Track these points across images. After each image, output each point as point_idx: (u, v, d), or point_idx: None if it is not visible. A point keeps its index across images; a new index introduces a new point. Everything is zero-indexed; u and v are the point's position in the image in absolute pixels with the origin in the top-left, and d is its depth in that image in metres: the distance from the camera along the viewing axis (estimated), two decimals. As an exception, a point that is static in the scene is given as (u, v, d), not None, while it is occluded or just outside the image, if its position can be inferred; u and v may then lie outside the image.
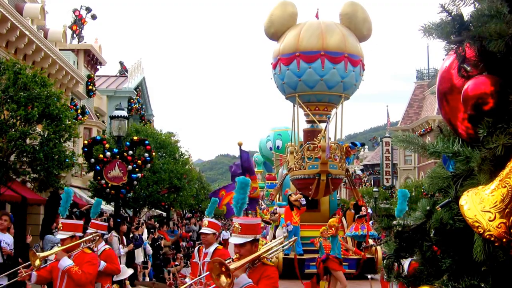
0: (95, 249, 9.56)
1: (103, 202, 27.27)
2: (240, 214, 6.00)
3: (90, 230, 9.88)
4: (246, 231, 5.50)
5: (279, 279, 5.57)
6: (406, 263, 6.62)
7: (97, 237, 9.75)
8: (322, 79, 22.77)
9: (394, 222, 3.72)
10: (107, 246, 10.31)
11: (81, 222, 9.13)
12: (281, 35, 23.89)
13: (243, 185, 6.10)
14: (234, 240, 5.51)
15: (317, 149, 21.49)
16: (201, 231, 8.36)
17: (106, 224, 10.51)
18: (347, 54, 22.83)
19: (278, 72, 23.71)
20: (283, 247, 5.99)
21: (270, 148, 45.06)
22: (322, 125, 23.34)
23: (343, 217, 23.39)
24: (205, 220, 8.49)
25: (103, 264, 9.36)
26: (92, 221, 10.66)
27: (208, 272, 5.54)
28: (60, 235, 8.25)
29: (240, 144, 17.36)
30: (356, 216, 22.64)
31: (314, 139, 22.48)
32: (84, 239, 8.84)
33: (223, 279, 4.89)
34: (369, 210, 23.38)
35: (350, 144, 23.13)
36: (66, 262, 7.75)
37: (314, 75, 22.76)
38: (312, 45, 22.86)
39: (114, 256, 10.24)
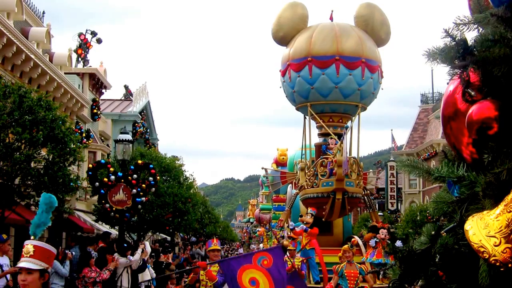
0: None
1: (107, 226, 27.31)
2: (36, 237, 4.94)
3: None
4: (40, 256, 4.63)
5: None
6: None
7: None
8: (337, 86, 20.60)
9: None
10: None
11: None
12: (290, 39, 21.57)
13: (48, 205, 5.12)
14: (24, 264, 4.60)
15: (333, 164, 19.42)
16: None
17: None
18: (364, 59, 20.67)
19: (288, 79, 21.42)
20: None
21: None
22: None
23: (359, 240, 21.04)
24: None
25: None
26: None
27: None
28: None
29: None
30: (375, 240, 19.77)
31: (328, 153, 20.66)
32: None
33: None
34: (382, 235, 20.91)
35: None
36: None
37: (328, 82, 20.59)
38: (326, 49, 20.64)
39: None
